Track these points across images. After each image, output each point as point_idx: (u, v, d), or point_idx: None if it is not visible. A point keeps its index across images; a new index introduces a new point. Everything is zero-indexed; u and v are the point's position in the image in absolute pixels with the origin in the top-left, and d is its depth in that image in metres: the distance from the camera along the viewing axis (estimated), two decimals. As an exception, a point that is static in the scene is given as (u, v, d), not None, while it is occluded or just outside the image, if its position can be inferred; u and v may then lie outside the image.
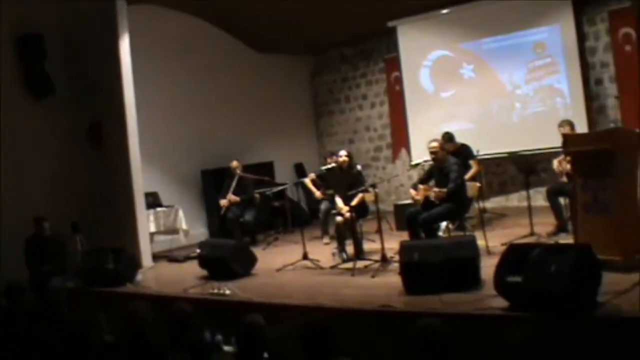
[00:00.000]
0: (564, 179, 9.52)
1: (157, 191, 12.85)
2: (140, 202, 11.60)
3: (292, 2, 12.88)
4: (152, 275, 10.91)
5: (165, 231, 12.64)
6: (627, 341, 5.38)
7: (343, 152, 10.71)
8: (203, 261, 10.06)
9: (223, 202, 12.33)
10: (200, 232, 13.50)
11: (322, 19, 13.70)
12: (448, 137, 11.43)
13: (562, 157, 9.42)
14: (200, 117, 14.04)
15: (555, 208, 9.70)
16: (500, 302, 6.43)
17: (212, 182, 13.71)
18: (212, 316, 7.25)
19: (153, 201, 12.55)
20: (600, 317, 5.82)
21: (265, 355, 4.77)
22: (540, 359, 3.83)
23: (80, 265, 10.36)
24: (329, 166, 11.25)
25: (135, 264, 10.56)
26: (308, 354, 4.31)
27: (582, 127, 11.23)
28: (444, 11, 13.73)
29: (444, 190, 8.97)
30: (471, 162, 11.35)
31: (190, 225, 12.95)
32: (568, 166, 8.89)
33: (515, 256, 6.50)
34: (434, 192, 9.08)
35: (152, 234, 12.19)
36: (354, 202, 9.87)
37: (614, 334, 5.53)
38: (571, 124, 9.77)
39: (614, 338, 5.50)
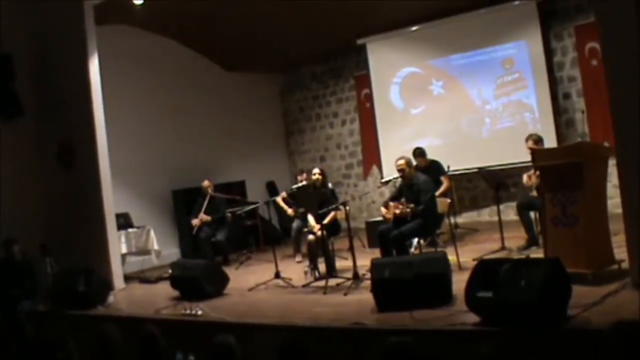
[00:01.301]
0: (534, 193, 9.57)
1: (128, 212, 12.79)
2: (111, 223, 11.50)
3: (261, 21, 12.93)
4: (123, 296, 10.81)
5: (136, 252, 12.56)
6: (597, 354, 5.39)
7: (317, 170, 10.75)
8: (175, 282, 9.98)
9: (195, 222, 12.31)
10: (172, 252, 13.43)
11: (291, 37, 13.73)
12: (419, 152, 11.54)
13: (531, 171, 9.47)
14: (170, 136, 14.01)
15: (526, 222, 9.75)
16: (472, 318, 6.43)
17: (184, 202, 13.68)
18: (184, 337, 7.21)
19: (124, 222, 12.50)
20: (570, 330, 5.84)
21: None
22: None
23: (50, 288, 10.28)
24: (300, 184, 11.25)
25: (106, 285, 10.51)
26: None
27: (551, 141, 11.31)
28: (413, 28, 13.81)
29: (409, 208, 9.03)
30: (442, 178, 11.42)
31: (162, 246, 12.89)
32: (537, 180, 8.94)
33: (485, 271, 6.51)
34: (400, 210, 9.13)
35: (123, 255, 12.10)
36: (325, 221, 9.86)
37: (585, 347, 5.54)
38: (536, 138, 9.80)
39: (584, 351, 5.51)
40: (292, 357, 4.35)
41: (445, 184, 11.41)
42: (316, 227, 9.98)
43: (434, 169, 11.36)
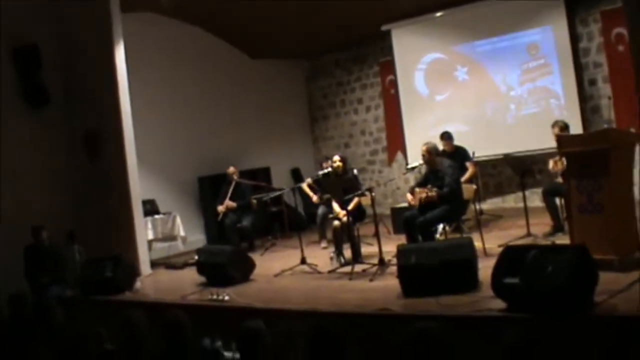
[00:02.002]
0: (560, 179, 9.55)
1: (154, 198, 12.89)
2: (137, 209, 11.59)
3: (285, 8, 12.92)
4: (150, 282, 10.90)
5: (163, 238, 12.68)
6: (624, 340, 5.40)
7: (337, 157, 10.73)
8: (201, 268, 10.08)
9: (220, 208, 12.39)
10: (197, 239, 13.53)
11: (315, 23, 13.74)
12: (447, 136, 11.57)
13: (557, 157, 9.45)
14: (196, 124, 14.07)
15: (551, 208, 9.73)
16: (498, 304, 6.45)
17: (209, 189, 13.76)
18: (211, 322, 7.28)
19: (150, 208, 12.58)
20: (597, 316, 5.85)
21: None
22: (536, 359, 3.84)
23: (78, 274, 10.39)
24: (325, 171, 11.28)
25: (133, 271, 10.60)
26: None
27: (576, 128, 11.28)
28: (438, 14, 13.77)
29: (434, 191, 9.05)
30: (467, 164, 11.42)
31: (187, 232, 13.01)
32: (563, 167, 8.92)
33: (511, 258, 6.52)
34: (426, 194, 9.15)
35: (150, 242, 12.18)
36: (350, 206, 9.89)
37: (611, 334, 5.55)
38: (562, 125, 9.78)
39: (611, 338, 5.51)
40: (321, 344, 4.37)
41: (470, 170, 11.41)
42: (341, 213, 10.01)
43: (459, 155, 11.36)
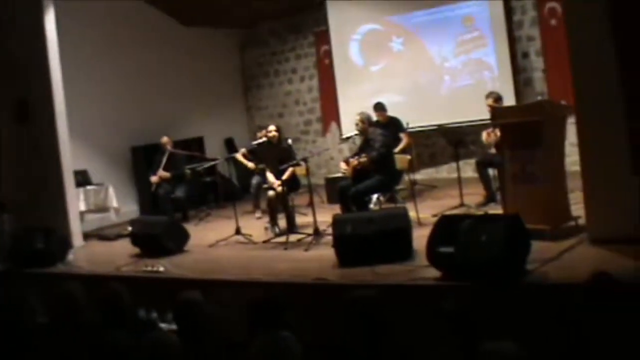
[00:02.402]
0: (493, 150, 9.67)
1: (86, 169, 12.65)
2: (69, 180, 11.37)
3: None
4: (83, 254, 10.71)
5: (95, 209, 12.48)
6: (554, 307, 5.51)
7: (272, 127, 10.69)
8: (135, 239, 9.95)
9: (154, 179, 12.26)
10: (131, 210, 13.35)
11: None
12: (380, 107, 11.59)
13: (491, 129, 9.56)
14: (129, 93, 13.81)
15: (484, 179, 9.86)
16: (433, 273, 6.55)
17: (142, 159, 13.57)
18: (146, 294, 7.19)
19: (82, 179, 12.36)
20: (529, 284, 5.98)
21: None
22: (472, 326, 3.90)
23: (8, 246, 10.17)
24: (260, 141, 11.24)
25: (65, 243, 10.40)
26: (253, 328, 4.31)
27: (509, 100, 11.39)
28: (374, -16, 13.78)
29: (364, 157, 9.12)
30: (401, 135, 11.48)
31: (121, 203, 12.82)
32: (497, 138, 9.03)
33: (446, 227, 6.61)
34: (357, 160, 9.21)
35: (82, 213, 11.99)
36: (285, 176, 9.90)
37: (542, 300, 5.67)
38: (496, 96, 9.89)
39: (542, 304, 5.64)
40: (261, 311, 4.37)
41: (404, 141, 11.48)
42: (276, 183, 10.00)
43: (393, 125, 11.42)
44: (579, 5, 7.06)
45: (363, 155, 9.29)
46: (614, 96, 6.78)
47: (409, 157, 10.54)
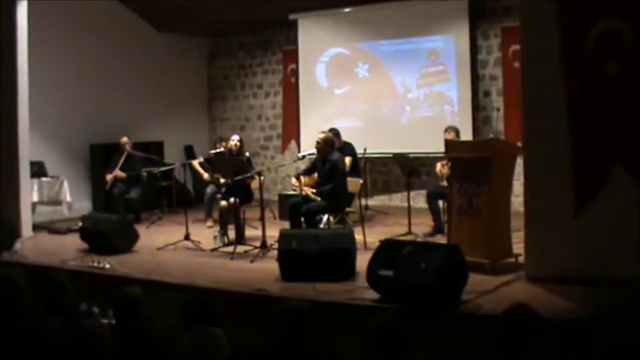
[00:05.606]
0: (445, 183, 9.86)
1: (43, 161, 12.62)
2: (24, 169, 11.36)
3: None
4: (30, 245, 10.69)
5: (48, 202, 12.46)
6: (485, 338, 5.66)
7: (236, 137, 10.82)
8: (84, 234, 10.01)
9: (109, 177, 12.30)
10: (83, 206, 13.34)
11: (224, 3, 13.70)
12: (334, 133, 11.64)
13: (444, 161, 9.77)
14: (93, 89, 13.84)
15: (434, 210, 10.06)
16: (372, 294, 6.69)
17: (100, 157, 13.58)
18: (89, 289, 7.22)
19: (38, 170, 12.31)
20: (461, 313, 6.14)
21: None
22: (396, 345, 4.03)
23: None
24: (218, 151, 11.35)
25: (14, 232, 10.37)
26: (187, 324, 4.42)
27: (467, 135, 11.63)
28: (346, 10, 13.97)
29: (316, 193, 9.37)
30: (347, 159, 11.53)
31: (74, 198, 12.79)
32: (449, 170, 9.22)
33: (388, 251, 6.76)
34: (310, 192, 9.37)
35: (34, 204, 11.99)
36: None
37: (474, 331, 5.82)
38: (456, 131, 10.14)
39: (473, 334, 5.78)
40: (197, 315, 4.48)
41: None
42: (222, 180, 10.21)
43: (346, 150, 11.49)
44: (534, 50, 7.30)
45: (315, 191, 9.43)
46: (562, 137, 7.00)
47: (361, 181, 10.68)
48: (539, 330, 3.78)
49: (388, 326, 4.02)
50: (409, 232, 9.92)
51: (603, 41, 6.88)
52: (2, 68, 11.27)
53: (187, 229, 10.12)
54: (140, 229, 10.47)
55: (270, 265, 8.23)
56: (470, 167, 7.85)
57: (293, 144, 15.21)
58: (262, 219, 9.52)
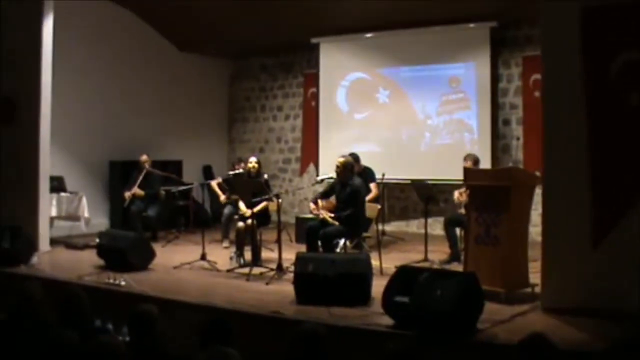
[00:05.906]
0: (463, 210, 9.84)
1: (63, 176, 12.72)
2: (44, 184, 11.42)
3: (221, 5, 12.97)
4: (47, 259, 10.74)
5: (66, 217, 12.53)
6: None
7: (254, 159, 10.84)
8: (101, 251, 10.04)
9: (127, 194, 12.34)
10: (101, 222, 13.42)
11: (248, 25, 13.80)
12: (354, 158, 11.66)
13: (463, 189, 9.75)
14: (115, 107, 13.97)
15: (451, 237, 10.03)
16: (387, 320, 6.66)
17: (119, 174, 13.67)
18: (104, 305, 7.27)
19: (58, 185, 12.41)
20: (477, 342, 6.10)
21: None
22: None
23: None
24: (236, 172, 11.37)
25: (31, 245, 10.48)
26: (202, 344, 4.42)
27: (486, 164, 11.63)
28: (368, 35, 14.02)
29: (334, 216, 9.36)
30: (371, 185, 11.59)
31: (92, 214, 12.87)
32: (467, 198, 9.19)
33: (404, 277, 6.74)
34: (329, 216, 9.36)
35: (52, 218, 12.06)
36: (256, 208, 10.01)
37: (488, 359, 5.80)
38: (475, 159, 10.10)
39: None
40: (213, 335, 4.48)
41: (373, 192, 11.56)
42: (247, 212, 10.11)
43: (366, 175, 11.49)
44: (556, 79, 7.29)
45: (333, 218, 9.41)
46: (582, 167, 6.98)
47: (379, 206, 10.67)
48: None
49: (404, 352, 4.01)
50: (426, 259, 9.90)
51: (626, 72, 6.85)
52: (26, 83, 11.35)
53: (203, 248, 10.13)
54: (157, 247, 10.50)
55: (285, 288, 8.22)
56: (489, 195, 7.82)
57: (311, 167, 15.23)
58: (279, 242, 9.52)
